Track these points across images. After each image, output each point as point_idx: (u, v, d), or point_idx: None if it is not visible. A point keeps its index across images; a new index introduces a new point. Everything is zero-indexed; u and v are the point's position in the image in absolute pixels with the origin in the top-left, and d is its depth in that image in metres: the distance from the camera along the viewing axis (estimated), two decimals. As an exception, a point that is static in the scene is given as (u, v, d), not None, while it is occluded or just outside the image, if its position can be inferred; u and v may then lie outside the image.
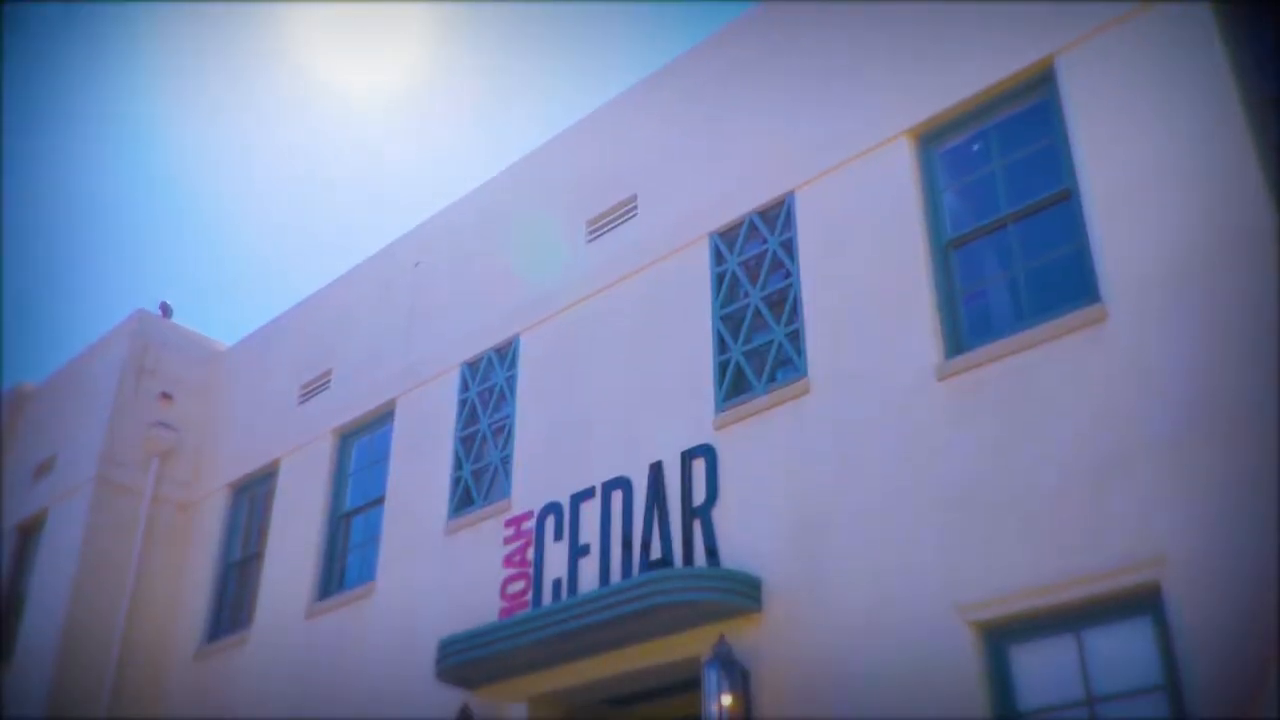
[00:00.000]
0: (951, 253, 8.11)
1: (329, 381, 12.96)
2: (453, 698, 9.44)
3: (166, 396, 14.22)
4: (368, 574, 11.35)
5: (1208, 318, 6.60)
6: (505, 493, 10.23)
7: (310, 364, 13.33)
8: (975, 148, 8.32)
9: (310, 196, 35.05)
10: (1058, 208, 7.67)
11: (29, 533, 14.60)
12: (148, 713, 12.69)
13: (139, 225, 33.56)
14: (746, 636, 7.90)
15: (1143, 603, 6.35)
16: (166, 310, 15.04)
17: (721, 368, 9.08)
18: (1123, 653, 6.37)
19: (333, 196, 34.88)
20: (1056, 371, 7.10)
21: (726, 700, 7.55)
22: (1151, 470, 6.47)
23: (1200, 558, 6.12)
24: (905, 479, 7.56)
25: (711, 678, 7.63)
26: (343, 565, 11.89)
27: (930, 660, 6.95)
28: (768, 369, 8.81)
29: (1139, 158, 7.21)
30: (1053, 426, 6.99)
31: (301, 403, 13.19)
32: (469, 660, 8.92)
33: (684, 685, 8.73)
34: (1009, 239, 7.90)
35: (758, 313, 9.08)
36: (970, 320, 7.88)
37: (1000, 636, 6.83)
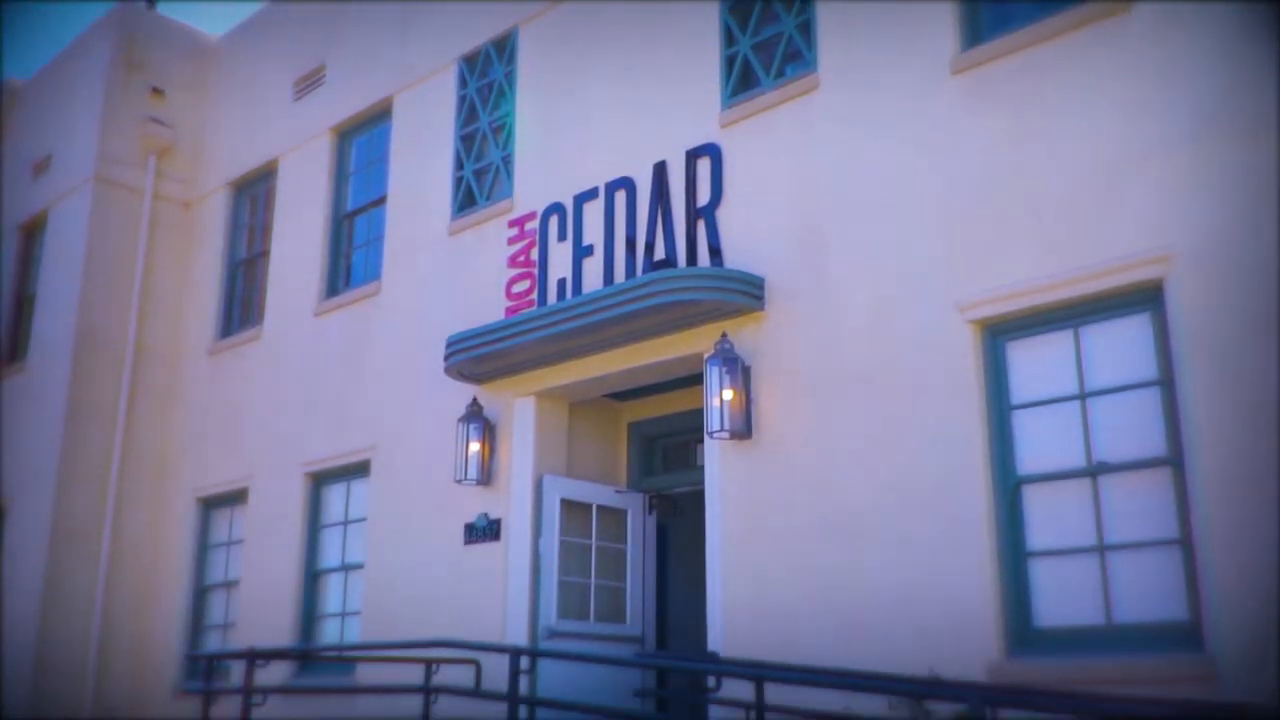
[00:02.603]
0: (975, -64, 7.63)
1: (323, 77, 12.58)
2: (462, 392, 9.71)
3: (157, 91, 13.86)
4: (373, 273, 11.44)
5: (1234, 10, 6.27)
6: (507, 193, 10.14)
7: (303, 59, 12.90)
8: None
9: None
10: (1092, -115, 7.14)
11: (32, 233, 14.62)
12: (165, 407, 13.12)
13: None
14: (748, 334, 8.03)
15: (1143, 300, 6.38)
16: None
17: (728, 62, 8.76)
18: (1120, 349, 6.47)
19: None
20: (1075, 64, 6.82)
21: (728, 395, 7.77)
22: (1167, 167, 6.34)
23: (1206, 256, 6.09)
24: (913, 177, 7.44)
25: (713, 373, 7.82)
26: (348, 264, 11.97)
27: (928, 358, 7.08)
28: (776, 63, 8.49)
29: None
30: (1068, 121, 6.78)
31: (296, 100, 12.86)
32: (476, 356, 9.13)
33: (686, 381, 8.97)
34: (1037, -80, 7.41)
35: (768, 2, 8.66)
36: (989, 10, 7.51)
37: (998, 333, 6.92)
